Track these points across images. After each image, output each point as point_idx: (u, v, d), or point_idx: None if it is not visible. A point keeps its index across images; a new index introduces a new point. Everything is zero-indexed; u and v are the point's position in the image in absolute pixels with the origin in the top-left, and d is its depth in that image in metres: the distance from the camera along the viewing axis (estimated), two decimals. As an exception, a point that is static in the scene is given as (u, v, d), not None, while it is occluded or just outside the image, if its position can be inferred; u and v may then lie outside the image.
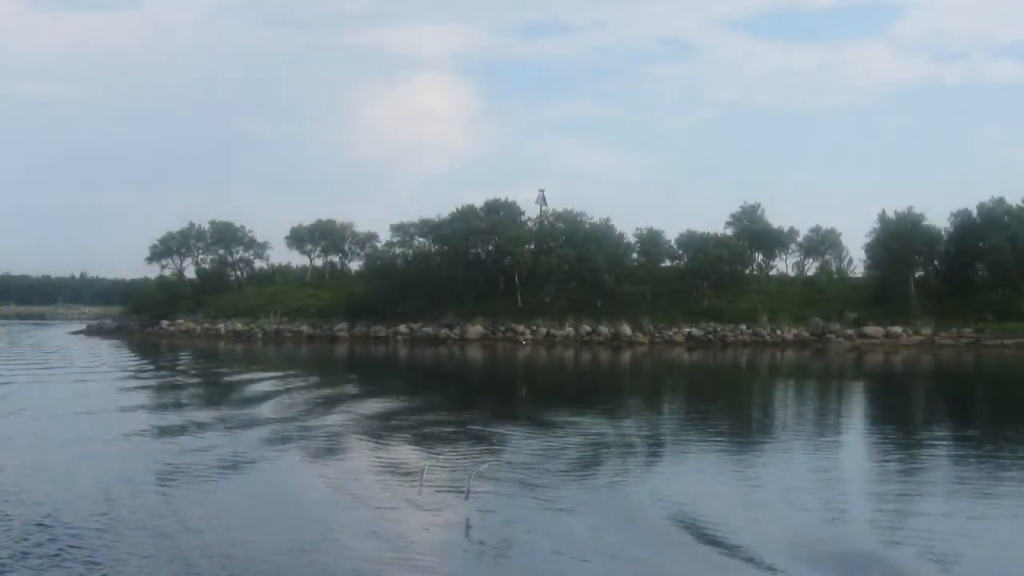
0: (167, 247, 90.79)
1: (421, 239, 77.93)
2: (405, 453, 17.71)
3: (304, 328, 69.96)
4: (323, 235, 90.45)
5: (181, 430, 20.13)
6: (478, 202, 78.18)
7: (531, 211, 78.55)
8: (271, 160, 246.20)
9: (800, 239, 78.08)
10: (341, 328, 68.56)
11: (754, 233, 76.08)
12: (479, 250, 72.82)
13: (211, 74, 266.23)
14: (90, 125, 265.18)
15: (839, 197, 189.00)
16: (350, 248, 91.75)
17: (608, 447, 18.69)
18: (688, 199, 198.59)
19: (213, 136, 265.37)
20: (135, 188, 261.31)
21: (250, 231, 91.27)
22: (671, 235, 74.99)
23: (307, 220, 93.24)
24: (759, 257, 78.07)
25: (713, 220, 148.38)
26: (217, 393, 30.03)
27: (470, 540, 11.50)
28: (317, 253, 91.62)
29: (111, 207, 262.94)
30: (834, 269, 77.83)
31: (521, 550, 11.00)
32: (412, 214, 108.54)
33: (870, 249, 69.91)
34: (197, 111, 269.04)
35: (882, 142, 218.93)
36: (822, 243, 78.22)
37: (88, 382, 32.30)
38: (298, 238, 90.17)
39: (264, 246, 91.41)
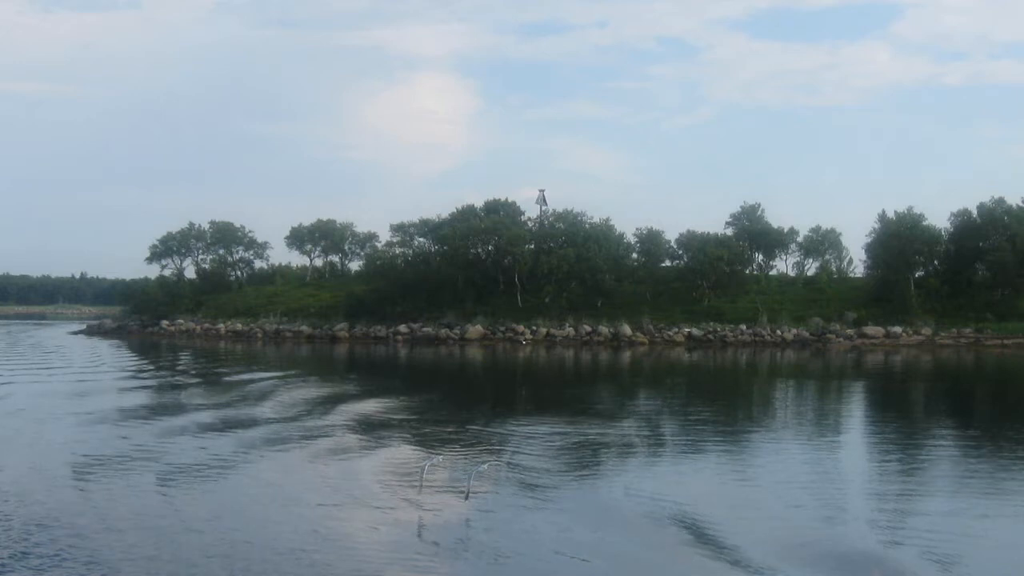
0: (167, 247, 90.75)
1: (421, 239, 77.92)
2: (405, 453, 17.71)
3: (304, 328, 69.93)
4: (323, 235, 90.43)
5: (181, 430, 20.13)
6: (478, 202, 78.29)
7: (531, 211, 78.64)
8: (271, 160, 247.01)
9: (800, 239, 78.12)
10: (341, 328, 68.52)
11: (754, 233, 76.07)
12: (479, 250, 72.79)
13: (211, 74, 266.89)
14: (90, 125, 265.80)
15: (839, 197, 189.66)
16: (350, 248, 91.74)
17: (608, 447, 18.70)
18: (688, 199, 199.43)
19: (213, 136, 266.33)
20: (135, 188, 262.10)
21: (250, 231, 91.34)
22: (671, 235, 75.05)
23: (307, 220, 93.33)
24: (759, 257, 78.06)
25: (713, 220, 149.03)
26: (217, 393, 30.04)
27: (470, 540, 11.50)
28: (317, 253, 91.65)
29: (111, 207, 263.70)
30: (834, 269, 77.81)
31: (521, 550, 11.00)
32: (412, 214, 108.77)
33: (870, 249, 69.90)
34: (197, 111, 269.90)
35: (882, 142, 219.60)
36: (822, 243, 78.21)
37: (88, 382, 32.31)
38: (298, 238, 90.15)
39: (264, 246, 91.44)
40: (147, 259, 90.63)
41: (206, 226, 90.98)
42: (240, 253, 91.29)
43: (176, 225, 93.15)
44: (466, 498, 12.95)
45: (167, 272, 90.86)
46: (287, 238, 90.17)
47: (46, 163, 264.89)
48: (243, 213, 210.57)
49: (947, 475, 16.37)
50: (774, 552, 10.82)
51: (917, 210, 68.78)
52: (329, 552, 10.73)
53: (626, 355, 52.78)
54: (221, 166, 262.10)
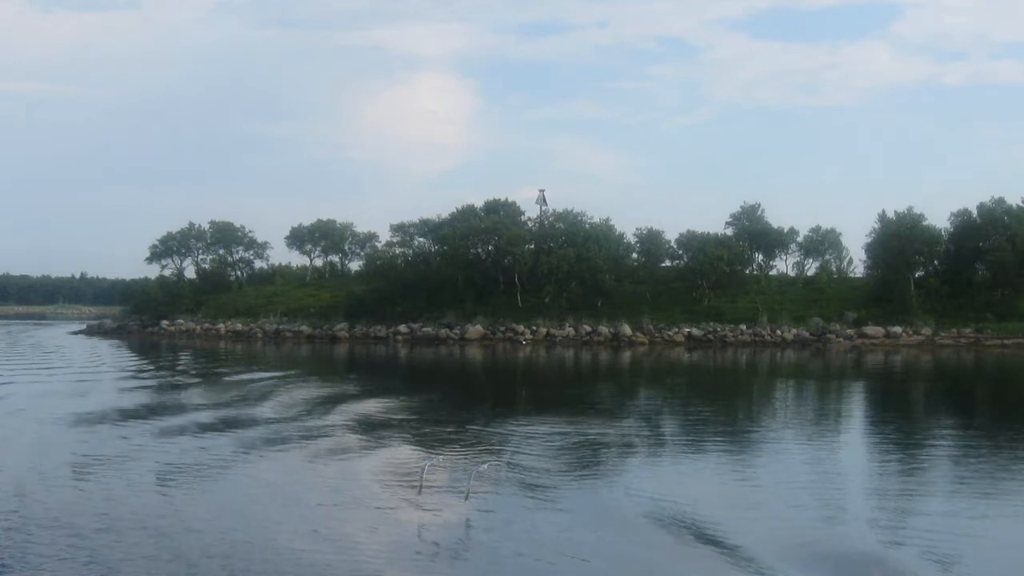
0: (167, 247, 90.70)
1: (421, 239, 77.91)
2: (405, 453, 17.71)
3: (304, 328, 69.91)
4: (323, 235, 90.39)
5: (181, 430, 20.13)
6: (478, 202, 78.28)
7: (531, 211, 78.63)
8: (271, 160, 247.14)
9: (800, 239, 78.09)
10: (341, 328, 68.51)
11: (754, 233, 76.04)
12: (479, 250, 72.77)
13: (211, 74, 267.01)
14: (90, 125, 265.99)
15: (839, 197, 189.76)
16: (350, 248, 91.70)
17: (608, 447, 18.70)
18: (688, 199, 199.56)
19: (213, 136, 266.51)
20: (135, 188, 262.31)
21: (250, 231, 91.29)
22: (671, 235, 75.04)
23: (307, 220, 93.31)
24: (759, 257, 78.02)
25: (713, 220, 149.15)
26: (217, 393, 30.04)
27: (470, 540, 11.50)
28: (317, 253, 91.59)
29: (111, 207, 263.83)
30: (834, 269, 77.79)
31: (521, 550, 11.00)
32: (412, 214, 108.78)
33: (870, 249, 69.88)
34: (197, 111, 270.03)
35: (882, 142, 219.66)
36: (822, 243, 78.18)
37: (88, 382, 32.30)
38: (298, 238, 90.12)
39: (264, 246, 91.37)
40: (147, 259, 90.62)
41: (206, 226, 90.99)
42: (240, 253, 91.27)
43: (176, 225, 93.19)
44: (466, 498, 12.95)
45: (167, 272, 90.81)
46: (287, 238, 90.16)
47: (46, 163, 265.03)
48: (243, 213, 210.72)
49: (947, 475, 16.36)
50: (774, 552, 10.81)
51: (917, 210, 68.82)
52: (329, 552, 10.73)
53: (626, 355, 52.76)
54: (221, 166, 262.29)
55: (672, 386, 35.73)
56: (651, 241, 74.46)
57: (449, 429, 20.96)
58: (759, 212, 77.97)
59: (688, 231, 73.88)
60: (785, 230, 77.55)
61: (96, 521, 11.89)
